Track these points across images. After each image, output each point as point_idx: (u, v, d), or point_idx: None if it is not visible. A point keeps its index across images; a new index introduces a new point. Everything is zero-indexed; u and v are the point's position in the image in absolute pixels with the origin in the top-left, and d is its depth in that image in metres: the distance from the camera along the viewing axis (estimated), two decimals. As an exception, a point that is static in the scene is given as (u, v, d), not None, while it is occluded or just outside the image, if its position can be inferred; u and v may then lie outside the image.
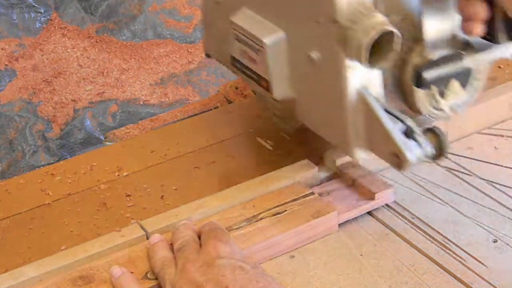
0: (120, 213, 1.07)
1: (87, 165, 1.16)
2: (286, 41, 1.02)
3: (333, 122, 1.00)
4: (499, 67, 1.34)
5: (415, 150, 0.94)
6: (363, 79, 0.96)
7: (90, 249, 0.97)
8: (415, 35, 1.00)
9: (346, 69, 0.95)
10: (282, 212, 1.01)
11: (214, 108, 1.33)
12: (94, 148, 1.32)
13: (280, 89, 1.05)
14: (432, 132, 0.96)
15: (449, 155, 1.15)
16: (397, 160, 0.94)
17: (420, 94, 1.01)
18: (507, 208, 1.05)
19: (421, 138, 0.95)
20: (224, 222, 0.99)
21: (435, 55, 0.99)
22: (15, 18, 1.48)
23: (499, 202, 1.06)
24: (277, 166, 1.10)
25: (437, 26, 0.99)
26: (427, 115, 1.04)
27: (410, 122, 0.95)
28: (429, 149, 0.94)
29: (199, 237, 0.95)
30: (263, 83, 1.05)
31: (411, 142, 0.94)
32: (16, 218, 1.07)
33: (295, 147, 1.17)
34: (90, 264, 0.95)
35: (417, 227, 1.02)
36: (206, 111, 1.32)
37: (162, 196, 1.10)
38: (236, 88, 1.34)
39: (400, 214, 1.05)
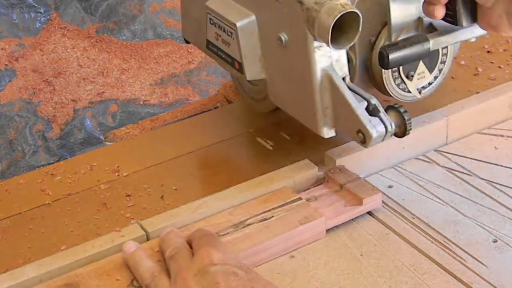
0: (120, 213, 1.07)
1: (87, 165, 1.16)
2: (256, 23, 1.06)
3: (302, 101, 1.04)
4: (499, 67, 1.34)
5: (378, 127, 0.98)
6: (329, 59, 1.00)
7: (90, 249, 0.97)
8: (382, 19, 1.05)
9: (312, 50, 0.99)
10: (270, 218, 1.01)
11: (214, 108, 1.33)
12: (94, 148, 1.32)
13: (252, 71, 1.09)
14: (395, 110, 1.00)
15: (449, 155, 1.15)
16: (361, 137, 0.98)
17: (387, 76, 1.06)
18: (507, 208, 1.05)
19: (384, 115, 0.99)
20: (211, 228, 0.98)
21: (401, 38, 1.04)
22: (15, 18, 1.48)
23: (499, 202, 1.06)
24: (277, 166, 1.10)
25: (403, 10, 1.04)
26: (395, 97, 1.09)
27: (374, 101, 0.99)
28: (392, 126, 0.98)
29: (189, 245, 0.94)
30: (236, 65, 1.10)
31: (375, 119, 0.98)
32: (16, 218, 1.07)
33: (295, 147, 1.17)
34: (76, 272, 0.94)
35: (417, 227, 1.02)
36: (206, 111, 1.32)
37: (162, 196, 1.10)
38: (236, 88, 1.34)
39: (400, 214, 1.05)
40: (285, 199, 1.04)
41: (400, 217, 1.04)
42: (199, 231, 0.96)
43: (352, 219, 1.04)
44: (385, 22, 1.06)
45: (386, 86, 1.08)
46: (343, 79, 1.01)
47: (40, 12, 1.50)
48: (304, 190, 1.07)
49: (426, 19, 1.05)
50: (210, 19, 1.12)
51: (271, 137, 1.20)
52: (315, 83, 1.00)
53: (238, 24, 1.06)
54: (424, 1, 1.01)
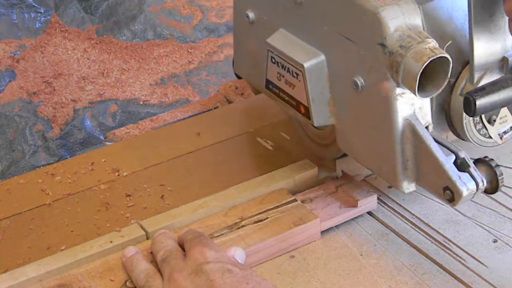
0: (120, 213, 1.07)
1: (87, 165, 1.16)
2: (327, 65, 0.97)
3: (379, 152, 0.95)
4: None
5: (468, 184, 0.89)
6: (412, 107, 0.91)
7: (90, 249, 0.97)
8: (462, 59, 0.95)
9: (394, 97, 0.90)
10: (264, 220, 1.01)
11: (214, 108, 1.33)
12: (94, 148, 1.32)
13: (320, 116, 1.00)
14: (485, 164, 0.92)
15: (449, 155, 1.15)
16: (449, 195, 0.90)
17: (468, 121, 0.96)
18: (507, 208, 1.05)
19: (474, 170, 0.90)
20: (205, 230, 0.98)
21: (485, 79, 0.94)
22: (15, 18, 1.48)
23: (499, 202, 1.06)
24: (277, 166, 1.09)
25: (487, 49, 0.93)
26: (474, 143, 0.99)
27: (462, 154, 0.91)
28: (483, 183, 0.90)
29: (181, 246, 0.94)
30: (302, 109, 1.01)
31: (464, 175, 0.89)
32: (16, 218, 1.07)
33: (295, 147, 1.17)
34: (70, 272, 0.94)
35: (417, 227, 1.02)
36: (206, 111, 1.32)
37: (162, 196, 1.10)
38: (236, 88, 1.34)
39: (400, 214, 1.05)
40: (280, 200, 1.03)
41: (400, 217, 1.04)
42: (190, 232, 0.96)
43: (352, 219, 1.04)
44: (466, 61, 0.95)
45: (467, 132, 0.97)
46: (427, 128, 0.92)
47: (40, 12, 1.50)
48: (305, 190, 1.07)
49: (511, 58, 0.94)
50: (272, 57, 1.02)
51: (271, 137, 1.20)
52: (395, 133, 0.91)
53: (305, 65, 0.97)
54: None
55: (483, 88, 0.92)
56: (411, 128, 0.91)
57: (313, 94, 0.99)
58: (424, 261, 0.98)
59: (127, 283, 0.93)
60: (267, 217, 1.01)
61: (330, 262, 0.98)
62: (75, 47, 1.49)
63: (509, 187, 1.08)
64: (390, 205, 1.06)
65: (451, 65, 0.87)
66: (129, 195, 1.10)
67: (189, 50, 1.50)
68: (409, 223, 1.03)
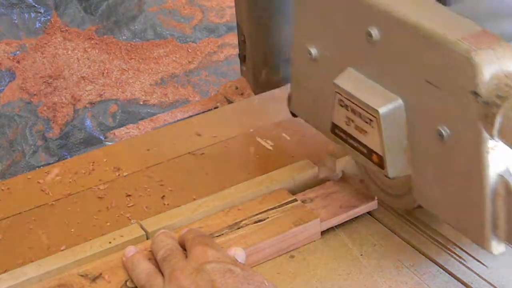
0: (120, 213, 1.07)
1: (87, 165, 1.16)
2: (404, 110, 0.88)
3: (463, 208, 0.87)
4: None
5: None
6: (507, 161, 0.83)
7: (89, 249, 0.97)
8: None
9: (486, 150, 0.81)
10: (264, 219, 1.00)
11: (214, 108, 1.33)
12: (94, 148, 1.32)
13: (396, 166, 0.91)
14: None
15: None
16: None
17: None
18: None
19: None
20: (206, 229, 0.98)
21: None
22: (15, 18, 1.48)
23: (499, 202, 1.06)
24: (277, 166, 1.09)
25: None
26: None
27: None
28: None
29: (181, 245, 0.94)
30: (374, 157, 0.92)
31: None
32: (16, 218, 1.07)
33: (295, 147, 1.17)
34: (69, 272, 0.94)
35: (417, 227, 1.02)
36: (206, 111, 1.32)
37: (163, 196, 1.10)
38: (236, 88, 1.34)
39: (400, 214, 1.04)
40: (280, 200, 1.03)
41: (400, 217, 1.04)
42: (191, 231, 0.96)
43: (352, 219, 1.04)
44: None
45: None
46: None
47: (40, 12, 1.50)
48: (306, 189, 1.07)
49: None
50: (340, 100, 0.92)
51: (271, 137, 1.20)
52: (486, 189, 0.82)
53: (381, 111, 0.88)
54: None
55: None
56: (504, 185, 0.83)
57: (388, 143, 0.90)
58: (424, 261, 0.98)
59: (128, 283, 0.93)
60: (268, 217, 1.01)
61: (330, 262, 0.98)
62: (75, 47, 1.49)
63: (509, 187, 1.08)
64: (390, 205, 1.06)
65: None
66: (129, 195, 1.10)
67: (189, 50, 1.51)
68: (409, 224, 1.03)
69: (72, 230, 1.05)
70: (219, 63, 1.48)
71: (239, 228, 0.99)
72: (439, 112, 0.85)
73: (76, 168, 1.16)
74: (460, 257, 0.97)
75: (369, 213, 1.05)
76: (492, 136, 0.80)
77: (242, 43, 1.17)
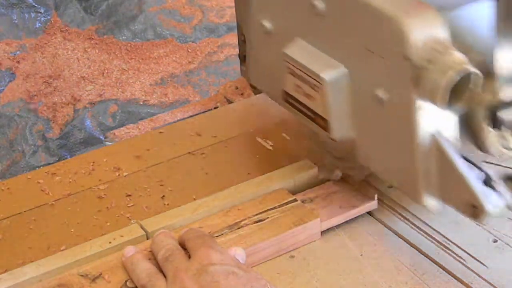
0: (120, 213, 1.07)
1: (87, 165, 1.16)
2: (347, 77, 0.94)
3: (401, 167, 0.93)
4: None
5: (494, 200, 0.86)
6: (437, 121, 0.89)
7: (89, 249, 0.97)
8: (486, 70, 0.90)
9: (418, 111, 0.87)
10: (264, 219, 1.00)
11: (214, 108, 1.33)
12: (94, 148, 1.32)
13: (340, 129, 0.97)
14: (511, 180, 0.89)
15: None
16: (474, 211, 0.87)
17: (490, 134, 0.93)
18: None
19: (501, 187, 0.87)
20: (205, 229, 0.98)
21: (509, 92, 0.91)
22: (15, 18, 1.48)
23: (499, 202, 1.06)
24: (277, 166, 1.10)
25: (511, 59, 0.90)
26: (496, 155, 0.95)
27: (489, 170, 0.88)
28: (510, 199, 0.87)
29: (181, 245, 0.94)
30: (321, 121, 0.98)
31: (490, 192, 0.87)
32: (16, 218, 1.07)
33: (295, 147, 1.17)
34: (69, 272, 0.94)
35: (417, 227, 1.02)
36: (206, 111, 1.32)
37: (163, 196, 1.10)
38: (236, 88, 1.34)
39: (400, 214, 1.05)
40: (280, 200, 1.03)
41: (400, 217, 1.04)
42: (192, 231, 0.96)
43: (352, 219, 1.04)
44: (489, 73, 0.91)
45: (489, 145, 0.94)
46: (451, 143, 0.89)
47: (40, 12, 1.50)
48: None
49: None
50: (290, 68, 0.99)
51: (271, 137, 1.20)
52: (419, 148, 0.89)
53: (325, 77, 0.94)
54: None
55: (509, 102, 0.90)
56: (435, 143, 0.89)
57: (332, 107, 0.96)
58: (424, 261, 0.98)
59: (128, 283, 0.93)
60: (267, 217, 1.01)
61: (330, 262, 0.98)
62: (75, 47, 1.49)
63: (509, 187, 1.08)
64: (390, 205, 1.06)
65: (480, 79, 0.84)
66: (129, 195, 1.10)
67: (189, 50, 1.51)
68: (409, 223, 1.03)
69: (72, 230, 1.05)
70: (219, 63, 1.48)
71: (239, 228, 0.99)
72: (377, 77, 0.90)
73: (76, 168, 1.16)
74: (460, 257, 0.98)
75: (369, 213, 1.05)
76: (422, 98, 0.86)
77: (242, 43, 1.16)
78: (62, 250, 1.00)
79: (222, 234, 0.98)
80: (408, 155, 0.90)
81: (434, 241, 1.00)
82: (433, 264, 0.97)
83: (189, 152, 1.18)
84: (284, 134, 1.20)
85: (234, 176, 1.11)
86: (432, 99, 0.85)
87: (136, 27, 1.52)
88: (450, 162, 0.88)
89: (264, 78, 1.09)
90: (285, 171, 1.08)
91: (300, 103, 1.00)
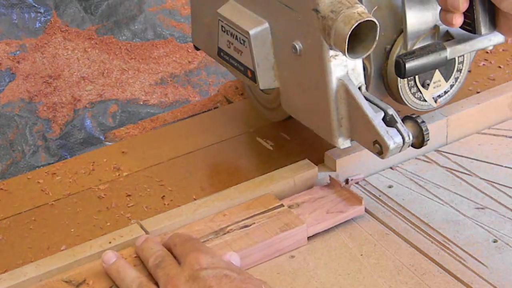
0: (120, 213, 1.07)
1: (87, 165, 1.16)
2: (270, 31, 1.04)
3: (317, 111, 1.02)
4: (499, 67, 1.34)
5: (395, 138, 0.96)
6: (345, 68, 0.98)
7: (89, 249, 0.97)
8: (398, 27, 1.04)
9: (328, 59, 0.97)
10: (250, 225, 1.00)
11: (214, 108, 1.33)
12: (94, 148, 1.32)
13: (265, 79, 1.07)
14: (412, 120, 0.99)
15: (449, 155, 1.15)
16: (378, 148, 0.97)
17: (403, 85, 1.05)
18: (507, 208, 1.05)
19: (401, 126, 0.97)
20: (191, 235, 0.98)
21: (417, 46, 1.02)
22: (15, 18, 1.48)
23: (499, 202, 1.06)
24: (277, 166, 1.10)
25: (419, 17, 1.02)
26: (411, 106, 1.07)
27: (391, 111, 0.97)
28: (409, 137, 0.97)
29: (168, 250, 0.93)
30: (249, 73, 1.07)
31: (392, 130, 0.97)
32: (16, 218, 1.07)
33: (295, 147, 1.17)
34: (53, 278, 0.94)
35: (417, 227, 1.02)
36: (206, 111, 1.32)
37: (163, 196, 1.10)
38: (236, 88, 1.34)
39: (400, 214, 1.05)
40: (267, 205, 1.03)
41: (400, 217, 1.04)
42: (177, 236, 0.95)
43: (352, 219, 1.04)
44: (401, 29, 1.04)
45: (402, 95, 1.06)
46: (359, 88, 0.99)
47: (40, 12, 1.50)
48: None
49: (443, 27, 1.03)
50: (222, 26, 1.09)
51: (271, 137, 1.20)
52: (330, 93, 0.98)
53: (251, 32, 1.04)
54: (441, 9, 0.98)
55: (413, 52, 1.00)
56: (344, 88, 0.98)
57: (258, 59, 1.05)
58: (424, 261, 0.98)
59: None
60: (254, 223, 1.00)
61: (330, 262, 0.98)
62: (75, 47, 1.49)
63: (509, 187, 1.08)
64: (390, 205, 1.06)
65: (378, 28, 0.93)
66: (129, 195, 1.10)
67: (189, 50, 1.51)
68: (409, 223, 1.03)
69: (72, 230, 1.05)
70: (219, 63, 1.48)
71: (225, 233, 0.99)
72: (293, 30, 1.00)
73: (76, 168, 1.16)
74: (460, 257, 0.98)
75: (369, 213, 1.05)
76: (330, 46, 0.96)
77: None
78: (62, 250, 1.00)
79: (207, 240, 0.98)
80: (322, 100, 1.00)
81: (434, 241, 1.00)
82: (433, 264, 0.97)
83: (189, 152, 1.18)
84: (284, 134, 1.20)
85: (234, 176, 1.11)
86: (338, 47, 0.94)
87: (136, 27, 1.52)
88: (357, 104, 0.98)
89: (203, 37, 1.18)
90: (285, 171, 1.08)
91: (232, 57, 1.10)
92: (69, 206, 1.09)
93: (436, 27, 1.04)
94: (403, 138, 0.96)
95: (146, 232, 0.99)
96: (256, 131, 1.21)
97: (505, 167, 1.12)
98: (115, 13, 1.53)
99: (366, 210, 1.05)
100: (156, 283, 0.90)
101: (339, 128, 1.00)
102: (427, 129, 0.99)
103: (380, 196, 1.07)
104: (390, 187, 1.09)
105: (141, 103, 1.42)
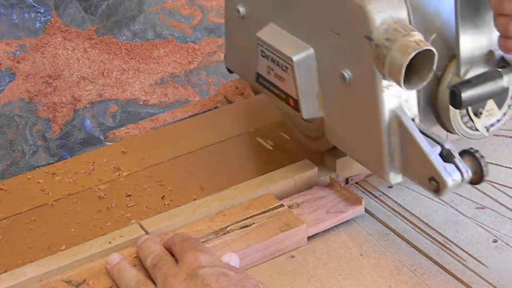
0: (120, 213, 1.07)
1: (87, 165, 1.16)
2: (315, 58, 0.99)
3: (366, 144, 0.96)
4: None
5: (453, 175, 0.90)
6: (398, 99, 0.92)
7: (89, 249, 0.97)
8: (449, 52, 0.96)
9: (380, 89, 0.91)
10: (250, 225, 1.00)
11: (214, 108, 1.33)
12: (94, 148, 1.32)
13: (309, 109, 1.01)
14: (470, 155, 0.93)
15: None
16: (435, 185, 0.91)
17: (454, 114, 0.98)
18: (507, 208, 1.05)
19: (459, 161, 0.91)
20: (191, 235, 0.98)
21: (471, 73, 0.95)
22: (15, 18, 1.48)
23: (499, 202, 1.06)
24: (277, 166, 1.09)
25: (473, 42, 0.95)
26: (461, 135, 1.00)
27: (448, 145, 0.92)
28: (468, 174, 0.91)
29: (167, 250, 0.93)
30: (291, 102, 1.02)
31: (450, 166, 0.91)
32: (16, 218, 1.07)
33: (295, 147, 1.17)
34: (53, 278, 0.94)
35: (417, 227, 1.02)
36: (206, 111, 1.32)
37: (163, 196, 1.10)
38: (236, 88, 1.34)
39: (400, 214, 1.05)
40: (267, 205, 1.03)
41: (400, 217, 1.04)
42: (177, 236, 0.95)
43: (352, 219, 1.04)
44: (453, 55, 0.96)
45: (453, 124, 0.98)
46: (413, 120, 0.93)
47: (40, 12, 1.50)
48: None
49: (498, 52, 0.95)
50: (262, 51, 1.04)
51: (271, 137, 1.20)
52: (382, 125, 0.93)
53: (294, 59, 0.98)
54: (500, 35, 0.92)
55: (468, 80, 0.94)
56: (397, 120, 0.93)
57: (302, 87, 1.00)
58: (424, 261, 0.98)
59: None
60: (253, 223, 1.00)
61: (330, 262, 0.98)
62: (75, 47, 1.49)
63: (509, 187, 1.08)
64: (390, 205, 1.06)
65: (436, 58, 0.88)
66: (129, 195, 1.10)
67: (189, 50, 1.51)
68: (409, 223, 1.03)
69: (72, 230, 1.05)
70: (219, 63, 1.48)
71: (224, 233, 0.99)
72: (342, 57, 0.95)
73: (76, 168, 1.16)
74: (460, 257, 0.97)
75: (369, 213, 1.05)
76: (384, 76, 0.90)
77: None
78: (62, 250, 1.00)
79: (207, 240, 0.98)
80: (372, 132, 0.94)
81: (434, 241, 1.00)
82: (433, 264, 0.97)
83: (189, 152, 1.18)
84: (284, 134, 1.20)
85: (234, 176, 1.11)
86: (393, 77, 0.88)
87: (136, 27, 1.52)
88: (411, 137, 0.92)
89: (239, 61, 1.13)
90: (285, 171, 1.08)
91: (272, 84, 1.04)
92: (69, 206, 1.09)
93: (490, 52, 0.96)
94: (461, 174, 0.90)
95: (146, 232, 0.99)
96: (256, 131, 1.21)
97: (505, 167, 1.12)
98: (115, 13, 1.53)
99: (366, 210, 1.05)
100: (155, 282, 0.90)
101: (390, 162, 0.94)
102: (486, 164, 0.92)
103: (380, 196, 1.07)
104: (390, 187, 1.09)
105: (141, 103, 1.42)
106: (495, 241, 1.00)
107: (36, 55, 1.46)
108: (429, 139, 0.92)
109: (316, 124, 1.07)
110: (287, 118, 1.15)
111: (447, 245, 0.99)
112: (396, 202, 1.06)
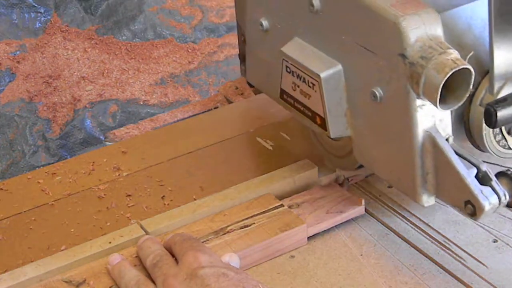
0: (120, 213, 1.07)
1: (87, 165, 1.16)
2: (343, 75, 0.95)
3: (397, 165, 0.93)
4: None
5: (490, 198, 0.87)
6: (433, 119, 0.89)
7: (89, 249, 0.97)
8: (482, 68, 0.93)
9: (414, 109, 0.88)
10: (250, 225, 1.00)
11: (214, 108, 1.33)
12: (94, 148, 1.32)
13: (336, 127, 0.98)
14: (507, 177, 0.90)
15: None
16: (471, 209, 0.87)
17: (487, 132, 0.94)
18: (507, 208, 1.05)
19: (496, 184, 0.88)
20: (191, 235, 0.98)
21: (505, 90, 0.91)
22: (15, 18, 1.48)
23: (499, 202, 1.06)
24: (277, 166, 1.09)
25: (507, 58, 0.90)
26: (493, 154, 0.97)
27: (484, 167, 0.88)
28: (506, 196, 0.88)
29: (167, 250, 0.93)
30: (318, 120, 0.99)
31: (486, 189, 0.87)
32: (16, 218, 1.07)
33: (295, 147, 1.17)
34: (53, 278, 0.94)
35: (417, 227, 1.02)
36: (206, 111, 1.32)
37: (163, 196, 1.10)
38: (236, 88, 1.34)
39: (400, 214, 1.05)
40: (267, 205, 1.03)
41: (400, 217, 1.04)
42: (177, 236, 0.95)
43: (352, 219, 1.04)
44: (486, 71, 0.92)
45: (486, 143, 0.95)
46: (447, 140, 0.90)
47: (40, 12, 1.50)
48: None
49: None
50: (287, 66, 0.99)
51: (271, 137, 1.20)
52: (415, 145, 0.89)
53: (322, 75, 0.94)
54: None
55: (504, 99, 0.89)
56: (431, 141, 0.89)
57: (329, 105, 0.96)
58: (424, 261, 0.98)
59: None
60: (253, 223, 1.00)
61: (330, 262, 0.98)
62: (75, 47, 1.49)
63: (509, 187, 1.08)
64: (390, 205, 1.06)
65: (473, 76, 0.84)
66: (129, 195, 1.10)
67: (189, 50, 1.51)
68: (409, 223, 1.03)
69: (72, 230, 1.05)
70: (219, 63, 1.48)
71: (224, 234, 0.99)
72: (373, 75, 0.91)
73: (76, 168, 1.16)
74: (460, 257, 0.98)
75: (369, 213, 1.05)
76: (418, 95, 0.86)
77: (242, 43, 1.16)
78: (62, 250, 1.00)
79: (207, 240, 0.98)
80: (404, 153, 0.91)
81: (434, 241, 1.00)
82: (433, 264, 0.97)
83: (189, 152, 1.18)
84: (284, 134, 1.20)
85: (234, 176, 1.11)
86: (428, 96, 0.85)
87: (136, 27, 1.52)
88: (446, 159, 0.88)
89: (261, 76, 1.09)
90: (285, 171, 1.08)
91: (297, 101, 1.01)
92: (69, 206, 1.09)
93: None
94: (499, 198, 0.87)
95: (146, 232, 0.99)
96: (256, 131, 1.21)
97: (505, 167, 1.12)
98: (115, 13, 1.53)
99: (366, 210, 1.05)
100: (155, 282, 0.90)
101: (423, 184, 0.91)
102: None
103: (380, 196, 1.07)
104: (390, 187, 1.09)
105: (141, 103, 1.42)
106: (495, 241, 1.00)
107: (36, 55, 1.47)
108: (465, 161, 0.89)
109: (343, 143, 1.03)
110: (312, 136, 1.10)
111: (447, 245, 0.99)
112: (396, 202, 1.06)
